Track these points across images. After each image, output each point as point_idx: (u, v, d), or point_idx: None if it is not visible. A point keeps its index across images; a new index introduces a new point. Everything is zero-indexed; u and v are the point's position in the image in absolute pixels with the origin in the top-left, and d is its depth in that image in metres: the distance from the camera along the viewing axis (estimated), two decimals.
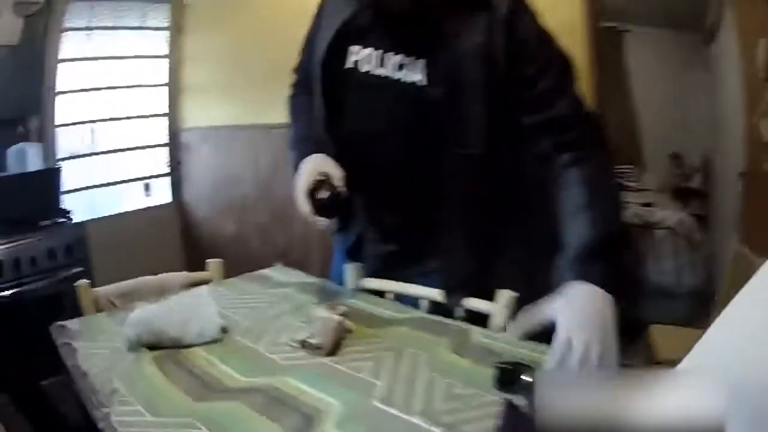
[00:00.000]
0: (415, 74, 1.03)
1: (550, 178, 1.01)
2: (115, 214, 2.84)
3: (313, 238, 2.45)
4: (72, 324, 1.06)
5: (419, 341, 0.98)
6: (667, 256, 3.09)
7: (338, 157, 1.11)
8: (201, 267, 1.41)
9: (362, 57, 1.08)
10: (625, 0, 3.07)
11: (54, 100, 2.54)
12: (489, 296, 1.08)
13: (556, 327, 0.81)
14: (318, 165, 1.07)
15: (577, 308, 0.83)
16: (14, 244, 2.08)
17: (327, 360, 0.92)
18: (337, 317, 1.00)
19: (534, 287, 0.97)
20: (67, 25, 2.52)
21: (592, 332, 0.79)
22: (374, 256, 1.21)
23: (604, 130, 1.06)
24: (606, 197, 0.96)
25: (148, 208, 3.00)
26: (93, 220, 2.53)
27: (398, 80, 1.04)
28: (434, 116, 1.02)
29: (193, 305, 1.02)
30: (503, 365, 0.79)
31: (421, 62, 1.02)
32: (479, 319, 1.08)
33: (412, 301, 1.17)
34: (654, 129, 4.49)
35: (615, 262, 0.89)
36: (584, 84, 1.70)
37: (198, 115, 3.00)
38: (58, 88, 2.54)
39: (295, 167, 1.11)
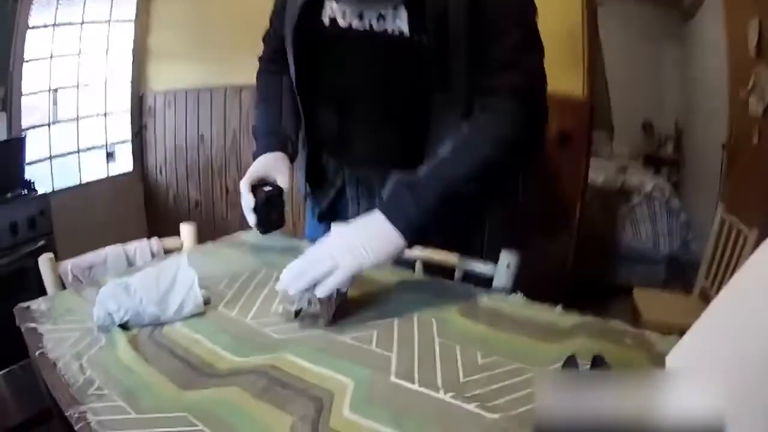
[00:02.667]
0: (398, 24, 0.95)
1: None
2: (78, 185, 2.61)
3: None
4: (36, 304, 0.89)
5: (425, 305, 0.87)
6: (643, 222, 3.11)
7: (313, 124, 1.12)
8: (164, 235, 1.23)
9: (338, 12, 1.00)
10: None
11: (21, 68, 2.29)
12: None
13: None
14: (269, 167, 1.06)
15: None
16: None
17: (328, 331, 0.80)
18: None
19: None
20: None
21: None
22: (356, 214, 1.11)
23: (535, 86, 0.97)
24: (463, 158, 0.90)
25: (111, 176, 2.77)
26: (55, 191, 2.33)
27: (382, 31, 0.97)
28: (420, 64, 0.96)
29: (172, 275, 0.87)
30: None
31: (403, 12, 0.94)
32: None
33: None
34: (627, 99, 4.57)
35: (425, 207, 0.85)
36: (579, 55, 1.72)
37: (164, 78, 2.77)
38: (26, 56, 2.30)
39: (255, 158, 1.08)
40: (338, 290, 0.83)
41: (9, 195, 2.08)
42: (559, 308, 0.84)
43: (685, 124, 4.28)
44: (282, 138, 1.12)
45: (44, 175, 2.41)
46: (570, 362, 0.64)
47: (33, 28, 2.29)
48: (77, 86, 2.58)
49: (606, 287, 2.92)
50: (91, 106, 2.67)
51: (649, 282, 2.84)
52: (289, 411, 0.61)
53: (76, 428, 0.61)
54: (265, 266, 1.04)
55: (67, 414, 0.63)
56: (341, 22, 1.00)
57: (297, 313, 0.82)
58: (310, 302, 0.81)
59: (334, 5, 1.00)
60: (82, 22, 2.50)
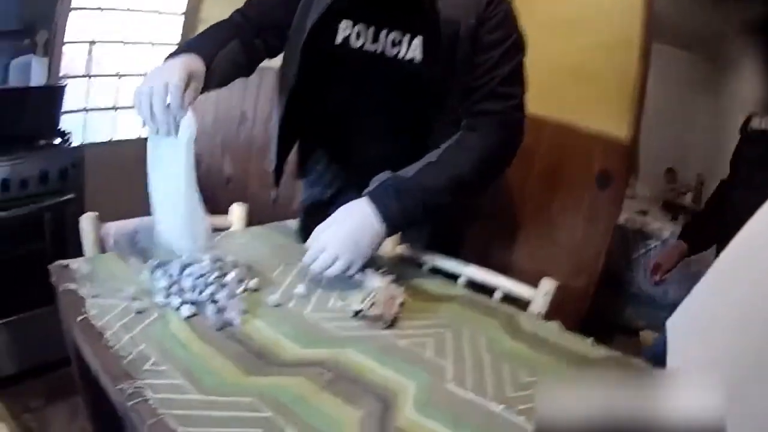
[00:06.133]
0: (412, 51, 1.01)
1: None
2: (110, 141, 2.46)
3: None
4: (76, 264, 0.83)
5: (473, 320, 0.86)
6: None
7: (318, 121, 1.15)
8: None
9: (353, 32, 1.04)
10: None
11: (67, 14, 2.15)
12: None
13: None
14: (199, 72, 0.89)
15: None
16: (7, 162, 1.74)
17: (386, 333, 0.78)
18: (394, 287, 0.86)
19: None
20: None
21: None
22: None
23: (515, 116, 1.04)
24: (443, 169, 0.98)
25: (144, 138, 2.65)
26: (87, 145, 2.17)
27: (394, 56, 1.02)
28: (425, 88, 1.02)
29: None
30: None
31: (418, 40, 1.00)
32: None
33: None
34: (655, 143, 4.58)
35: (407, 209, 0.94)
36: (629, 97, 1.64)
37: None
38: (73, 3, 2.18)
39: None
40: (396, 297, 0.83)
41: (42, 142, 1.96)
42: (590, 340, 0.85)
43: (708, 176, 4.20)
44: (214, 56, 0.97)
45: (76, 127, 2.26)
46: None
47: None
48: (122, 42, 2.45)
49: (610, 325, 2.90)
50: (132, 65, 2.53)
51: (653, 325, 2.83)
52: (357, 406, 0.59)
53: (128, 404, 0.56)
54: None
55: (117, 387, 0.58)
56: (354, 43, 1.03)
57: (356, 313, 0.80)
58: (372, 304, 0.80)
59: (350, 24, 1.03)
60: None
